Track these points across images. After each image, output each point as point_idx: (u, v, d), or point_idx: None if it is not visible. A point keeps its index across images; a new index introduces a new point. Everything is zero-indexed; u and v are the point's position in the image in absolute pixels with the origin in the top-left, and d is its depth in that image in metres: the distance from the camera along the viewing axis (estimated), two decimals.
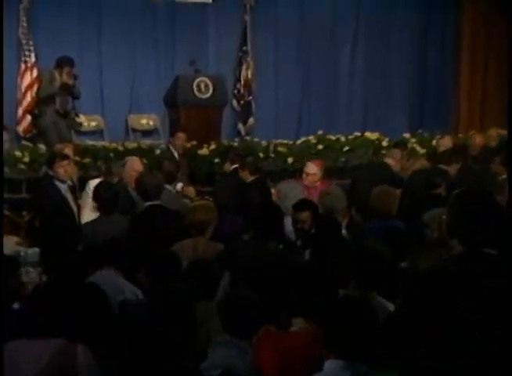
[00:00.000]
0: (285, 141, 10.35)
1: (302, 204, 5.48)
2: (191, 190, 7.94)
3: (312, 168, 7.49)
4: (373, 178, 6.71)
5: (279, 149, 10.14)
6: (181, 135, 8.55)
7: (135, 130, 10.44)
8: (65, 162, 6.77)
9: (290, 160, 10.09)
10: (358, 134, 10.74)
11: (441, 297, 2.52)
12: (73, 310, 3.09)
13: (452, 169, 7.15)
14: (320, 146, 10.33)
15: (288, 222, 5.43)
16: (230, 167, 7.69)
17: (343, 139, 10.56)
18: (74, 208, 6.75)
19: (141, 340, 2.82)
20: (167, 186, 6.44)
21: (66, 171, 6.75)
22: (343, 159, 10.42)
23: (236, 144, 10.02)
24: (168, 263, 4.15)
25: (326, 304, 2.92)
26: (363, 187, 6.76)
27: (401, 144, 8.57)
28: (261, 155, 9.92)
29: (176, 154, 8.48)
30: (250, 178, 7.37)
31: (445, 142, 8.84)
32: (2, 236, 4.34)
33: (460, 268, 2.59)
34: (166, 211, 5.63)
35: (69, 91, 8.79)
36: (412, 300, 2.63)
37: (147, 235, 5.24)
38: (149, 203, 5.58)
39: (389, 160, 7.62)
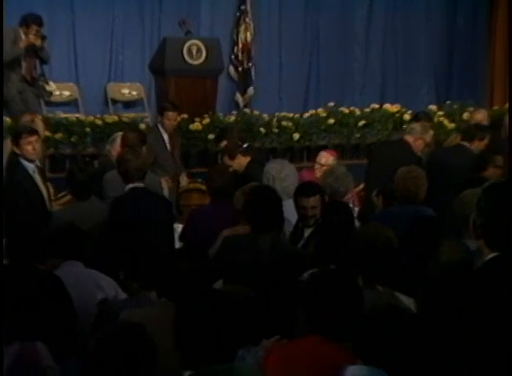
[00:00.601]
0: (290, 114, 10.32)
1: (309, 188, 5.36)
2: (184, 179, 7.98)
3: (326, 158, 7.39)
4: (390, 158, 6.72)
5: (284, 123, 10.11)
6: (171, 115, 8.35)
7: (115, 101, 10.37)
8: (33, 138, 6.64)
9: (296, 136, 10.09)
10: (376, 106, 10.69)
11: (465, 296, 2.58)
12: (28, 307, 3.17)
13: (475, 148, 7.01)
14: (331, 121, 10.32)
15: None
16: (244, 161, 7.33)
17: (358, 111, 10.51)
18: (44, 192, 6.69)
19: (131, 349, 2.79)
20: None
21: (34, 148, 6.64)
22: (358, 135, 10.40)
23: (233, 118, 9.97)
24: (153, 257, 4.10)
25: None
26: (381, 168, 6.77)
27: (423, 117, 8.27)
28: (262, 131, 9.91)
29: (166, 136, 8.37)
30: (245, 162, 7.19)
31: (478, 116, 8.64)
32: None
33: (488, 270, 2.61)
34: (151, 194, 5.68)
35: (36, 54, 8.72)
36: (433, 299, 2.73)
37: (128, 223, 5.25)
38: (131, 185, 5.58)
39: (408, 137, 7.36)
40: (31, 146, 6.57)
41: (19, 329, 3.15)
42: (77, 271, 4.28)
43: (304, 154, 10.16)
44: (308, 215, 5.21)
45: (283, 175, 6.03)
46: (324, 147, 9.86)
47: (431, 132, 7.62)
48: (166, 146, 8.33)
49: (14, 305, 3.19)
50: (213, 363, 2.64)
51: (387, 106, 10.68)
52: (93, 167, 7.11)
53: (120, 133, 7.28)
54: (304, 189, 5.33)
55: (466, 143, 7.11)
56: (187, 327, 2.67)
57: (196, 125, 9.49)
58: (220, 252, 4.68)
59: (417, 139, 7.26)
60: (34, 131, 6.77)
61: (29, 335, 3.14)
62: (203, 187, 7.30)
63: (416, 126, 7.51)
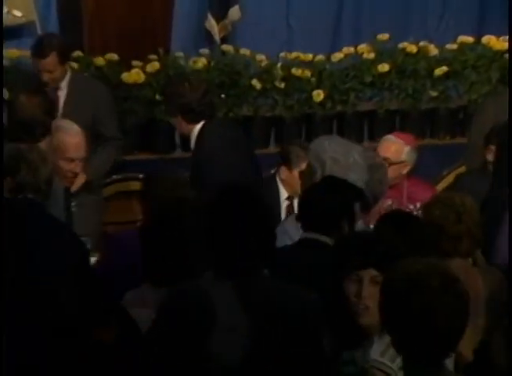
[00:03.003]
0: (309, 55, 10.44)
1: None
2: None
3: (397, 149, 7.78)
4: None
5: (296, 72, 10.20)
6: (44, 64, 8.75)
7: None
8: None
9: (318, 95, 10.13)
10: (469, 40, 10.95)
11: None
12: None
13: None
14: (384, 66, 10.41)
15: None
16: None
17: (434, 50, 10.73)
18: None
19: None
20: None
21: None
22: (434, 93, 10.57)
23: (202, 60, 10.04)
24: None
25: None
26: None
27: None
28: (255, 85, 10.01)
29: (62, 91, 8.96)
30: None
31: None
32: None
33: None
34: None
35: None
36: None
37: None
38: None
39: None
40: None
41: None
42: None
43: (333, 128, 10.20)
44: None
45: (351, 160, 6.26)
46: (371, 115, 10.36)
47: None
48: None
49: None
50: None
51: (488, 39, 10.89)
52: None
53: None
54: None
55: None
56: None
57: (134, 74, 9.67)
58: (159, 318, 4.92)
59: None
60: None
61: None
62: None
63: None
